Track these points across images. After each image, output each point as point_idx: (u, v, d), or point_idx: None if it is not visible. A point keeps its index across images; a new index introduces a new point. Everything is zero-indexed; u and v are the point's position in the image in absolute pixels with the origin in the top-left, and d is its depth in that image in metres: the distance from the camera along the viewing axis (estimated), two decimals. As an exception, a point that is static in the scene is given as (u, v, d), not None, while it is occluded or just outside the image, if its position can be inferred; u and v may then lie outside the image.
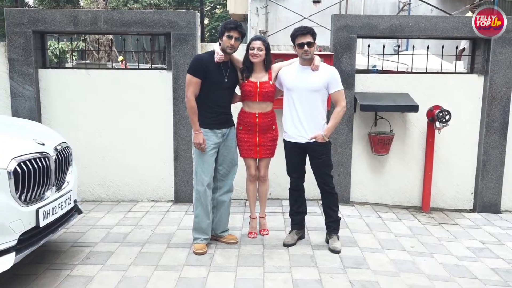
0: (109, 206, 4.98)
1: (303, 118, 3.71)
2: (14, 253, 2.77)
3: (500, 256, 3.90)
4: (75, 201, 3.61)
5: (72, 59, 12.85)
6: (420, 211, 5.15)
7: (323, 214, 3.97)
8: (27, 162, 2.93)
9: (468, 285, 3.32)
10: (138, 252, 3.73)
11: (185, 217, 4.62)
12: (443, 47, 5.23)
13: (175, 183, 5.12)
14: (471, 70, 5.37)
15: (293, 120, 3.76)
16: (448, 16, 6.08)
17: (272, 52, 3.94)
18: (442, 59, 5.56)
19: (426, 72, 5.44)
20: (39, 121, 4.93)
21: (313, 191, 4.41)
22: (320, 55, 4.04)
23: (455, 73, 5.43)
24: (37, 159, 3.03)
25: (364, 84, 5.13)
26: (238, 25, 3.63)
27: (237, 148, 3.93)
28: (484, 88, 5.14)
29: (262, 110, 3.82)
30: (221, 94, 3.71)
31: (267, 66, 3.81)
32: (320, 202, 4.06)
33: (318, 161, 3.79)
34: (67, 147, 3.53)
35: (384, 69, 5.96)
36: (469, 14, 8.17)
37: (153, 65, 8.17)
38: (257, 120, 3.81)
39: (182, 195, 5.09)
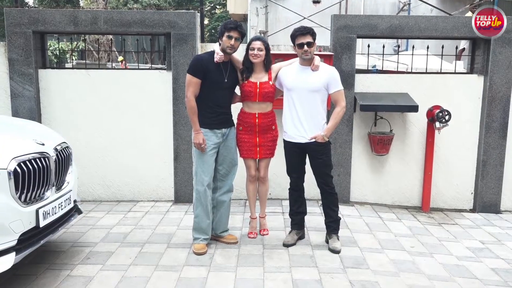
0: (109, 206, 4.98)
1: (303, 118, 3.71)
2: (14, 253, 2.77)
3: (500, 256, 3.90)
4: (75, 201, 3.61)
5: (72, 59, 12.85)
6: (420, 211, 5.15)
7: (323, 214, 3.97)
8: (27, 162, 2.93)
9: (468, 285, 3.32)
10: (138, 252, 3.73)
11: (185, 217, 4.62)
12: (443, 47, 5.23)
13: (175, 183, 5.12)
14: (471, 70, 5.37)
15: (293, 120, 3.76)
16: (448, 16, 6.09)
17: (272, 52, 3.94)
18: (442, 59, 5.56)
19: (426, 72, 5.43)
20: (39, 121, 4.93)
21: (313, 191, 4.41)
22: (320, 55, 4.04)
23: (455, 73, 5.43)
24: (37, 159, 3.03)
25: (364, 84, 5.13)
26: (238, 25, 3.63)
27: (237, 149, 3.93)
28: (484, 88, 5.15)
29: (262, 110, 3.82)
30: (221, 94, 3.71)
31: (267, 67, 3.81)
32: (320, 202, 4.06)
33: (318, 161, 3.79)
34: (67, 147, 3.53)
35: (384, 69, 5.97)
36: (469, 14, 8.17)
37: (153, 65, 8.18)
38: (257, 121, 3.81)
39: (182, 195, 5.10)
